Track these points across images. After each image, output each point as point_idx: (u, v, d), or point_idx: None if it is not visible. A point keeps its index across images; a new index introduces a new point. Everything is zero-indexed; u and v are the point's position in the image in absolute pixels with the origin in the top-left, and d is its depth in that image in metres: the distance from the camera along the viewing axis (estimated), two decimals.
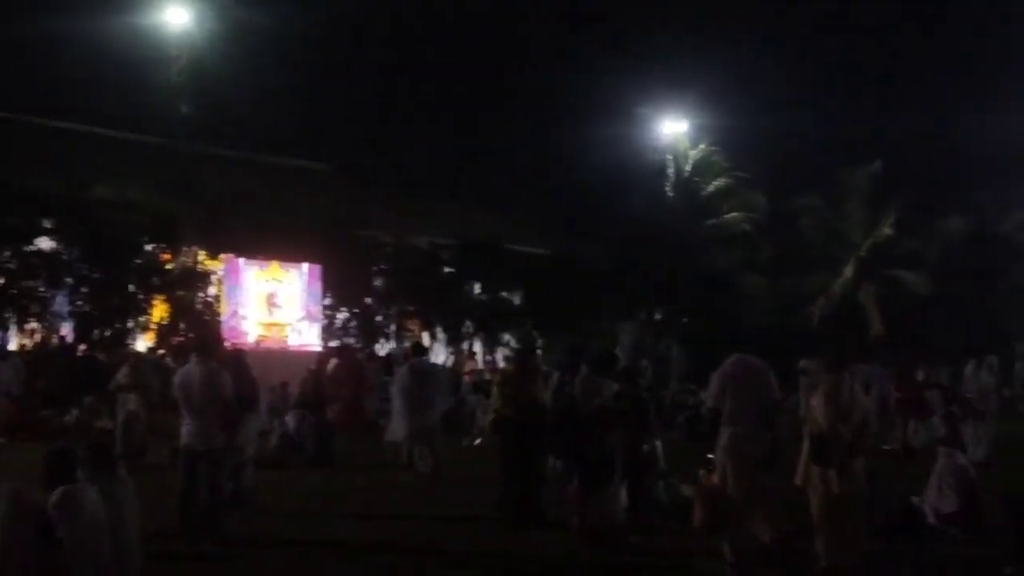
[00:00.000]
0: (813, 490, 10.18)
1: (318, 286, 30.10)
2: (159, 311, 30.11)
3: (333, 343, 31.35)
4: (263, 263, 28.90)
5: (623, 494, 11.48)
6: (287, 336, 29.10)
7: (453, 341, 36.11)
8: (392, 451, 17.71)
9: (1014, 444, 21.29)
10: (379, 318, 34.89)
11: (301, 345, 28.66)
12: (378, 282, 35.10)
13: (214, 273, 30.31)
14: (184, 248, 30.53)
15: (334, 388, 24.39)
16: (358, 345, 32.42)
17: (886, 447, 20.09)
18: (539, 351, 32.95)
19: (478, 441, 20.79)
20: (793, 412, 21.67)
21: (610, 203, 39.20)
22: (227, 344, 24.19)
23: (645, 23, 52.15)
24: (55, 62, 35.56)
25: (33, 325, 28.59)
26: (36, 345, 28.00)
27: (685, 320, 40.85)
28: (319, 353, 27.61)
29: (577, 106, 43.65)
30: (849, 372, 10.91)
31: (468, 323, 36.18)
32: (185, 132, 33.25)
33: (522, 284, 37.19)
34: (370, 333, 34.30)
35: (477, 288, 36.92)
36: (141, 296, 29.88)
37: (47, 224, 28.55)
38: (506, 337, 36.40)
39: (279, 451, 18.37)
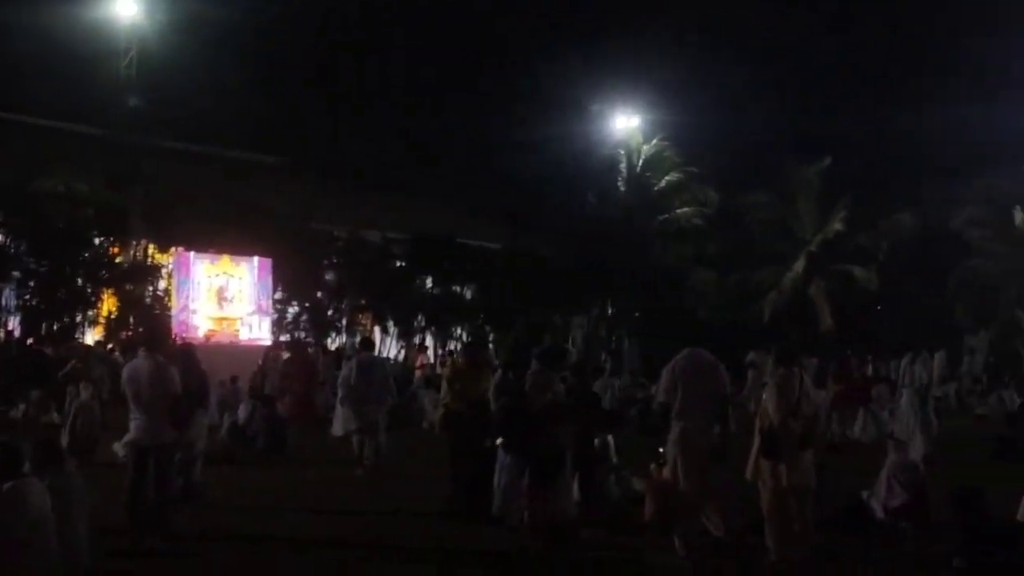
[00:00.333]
0: (763, 484, 10.24)
1: (269, 280, 29.91)
2: (108, 305, 29.89)
3: (284, 337, 31.22)
4: (213, 257, 28.68)
5: (574, 488, 11.49)
6: (238, 330, 28.89)
7: (405, 335, 36.07)
8: (344, 446, 17.63)
9: (961, 438, 21.53)
10: (330, 312, 34.79)
11: (252, 339, 28.48)
12: (330, 276, 35.02)
13: (163, 267, 30.13)
14: (133, 241, 30.31)
15: (285, 382, 24.29)
16: (309, 339, 32.31)
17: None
18: (490, 345, 33.05)
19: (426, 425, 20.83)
20: (743, 406, 21.87)
21: (563, 198, 39.22)
22: (176, 338, 24.09)
23: (598, 19, 52.25)
24: (2, 53, 35.11)
25: None
26: None
27: (636, 314, 41.00)
28: (266, 348, 27.45)
29: (530, 101, 43.59)
30: (800, 367, 10.97)
31: (420, 317, 36.13)
32: (134, 125, 32.93)
33: (474, 278, 37.19)
34: (321, 327, 34.18)
35: (429, 282, 36.89)
36: (89, 290, 29.65)
37: None
38: (458, 331, 36.41)
39: (229, 445, 18.25)
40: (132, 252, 30.42)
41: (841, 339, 34.59)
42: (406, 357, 33.85)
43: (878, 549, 10.99)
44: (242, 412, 19.62)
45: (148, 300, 30.25)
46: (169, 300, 29.05)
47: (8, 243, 28.36)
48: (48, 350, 26.40)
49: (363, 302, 35.23)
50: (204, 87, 38.14)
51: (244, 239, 29.17)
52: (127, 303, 29.76)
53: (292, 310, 33.54)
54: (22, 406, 20.82)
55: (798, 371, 10.62)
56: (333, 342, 34.08)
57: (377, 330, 34.80)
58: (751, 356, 31.49)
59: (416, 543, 11.28)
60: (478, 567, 10.42)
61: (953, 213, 40.06)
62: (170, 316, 28.15)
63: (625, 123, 41.55)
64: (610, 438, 13.88)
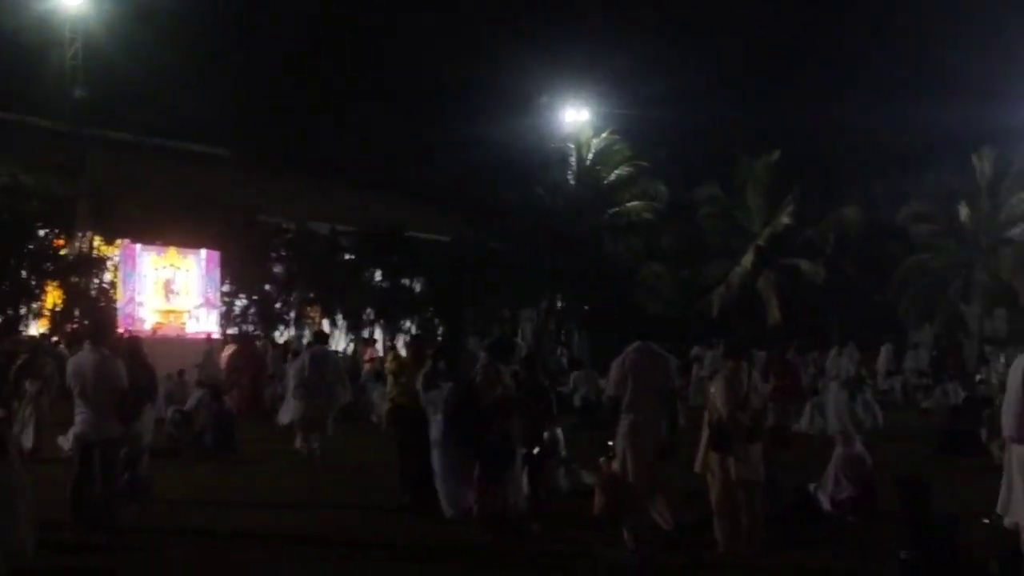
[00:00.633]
0: (712, 477, 10.29)
1: (217, 273, 29.72)
2: (52, 297, 29.56)
3: (232, 330, 31.03)
4: (160, 249, 28.46)
5: (524, 481, 11.48)
6: (185, 323, 28.71)
7: (353, 328, 35.93)
8: (292, 439, 17.56)
9: (906, 431, 21.74)
10: (279, 305, 34.58)
11: (199, 332, 28.28)
12: (278, 269, 34.80)
13: (109, 259, 29.83)
14: (79, 233, 29.99)
15: (232, 375, 24.18)
16: (257, 333, 32.12)
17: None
18: (439, 338, 33.01)
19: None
20: (687, 400, 21.98)
21: (512, 191, 39.18)
22: (122, 331, 23.88)
23: (548, 11, 52.26)
24: None
25: None
26: None
27: (586, 308, 41.09)
28: (209, 341, 27.27)
29: (480, 94, 43.47)
30: (748, 360, 11.03)
31: (369, 310, 36.01)
32: (80, 116, 32.56)
33: (423, 272, 37.10)
34: (269, 320, 33.98)
35: (378, 275, 36.75)
36: (34, 282, 29.30)
37: None
38: (407, 324, 36.32)
39: (175, 437, 18.09)
40: (78, 244, 30.08)
41: (789, 333, 34.82)
42: (355, 351, 33.71)
43: (826, 542, 11.07)
44: (191, 402, 19.52)
45: (94, 293, 29.94)
46: (115, 293, 28.78)
47: None
48: None
49: (312, 295, 35.05)
50: (151, 78, 37.77)
51: (192, 231, 28.95)
52: (72, 296, 29.45)
53: (240, 303, 33.31)
54: None
55: (746, 364, 10.68)
56: (281, 335, 33.89)
57: (326, 323, 34.63)
58: (695, 350, 31.70)
59: (364, 536, 11.25)
60: (427, 560, 10.39)
61: (898, 208, 40.44)
62: (116, 309, 27.91)
63: (575, 116, 41.57)
64: (559, 431, 13.90)
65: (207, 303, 29.32)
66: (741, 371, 10.47)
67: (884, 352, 34.14)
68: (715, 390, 10.64)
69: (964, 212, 38.99)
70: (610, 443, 10.36)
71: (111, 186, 29.54)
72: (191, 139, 40.17)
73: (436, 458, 11.97)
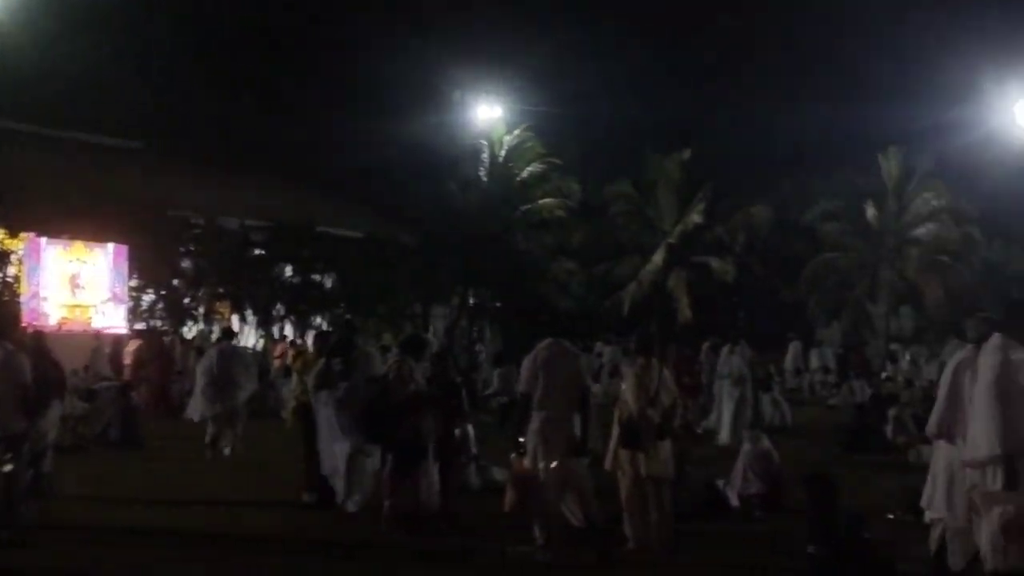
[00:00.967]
0: (622, 474, 10.33)
1: (124, 267, 29.34)
2: None
3: (139, 325, 30.61)
4: (66, 242, 28.03)
5: (435, 478, 11.45)
6: (91, 318, 28.29)
7: (263, 324, 35.63)
8: (200, 435, 17.37)
9: (814, 428, 22.05)
10: (187, 300, 34.18)
11: (106, 327, 27.87)
12: (187, 263, 34.39)
13: (13, 252, 29.27)
14: None
15: (139, 371, 23.89)
16: (165, 328, 31.72)
17: None
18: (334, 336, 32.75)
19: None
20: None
21: (424, 187, 39.08)
22: (27, 326, 23.43)
23: (463, 7, 52.17)
24: None
25: None
26: None
27: (498, 304, 41.11)
28: (113, 336, 26.90)
29: (392, 89, 43.35)
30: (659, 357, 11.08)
31: (279, 306, 35.73)
32: None
33: (334, 267, 36.88)
34: (178, 316, 33.57)
35: (289, 271, 36.48)
36: None
37: None
38: (318, 320, 36.07)
39: (82, 435, 17.82)
40: None
41: (700, 330, 35.11)
42: (265, 347, 33.43)
43: (734, 537, 11.17)
44: (97, 395, 19.32)
45: None
46: (19, 287, 28.27)
47: None
48: None
49: (221, 290, 34.69)
50: (60, 69, 37.10)
51: (99, 225, 28.52)
52: None
53: (148, 298, 32.87)
54: None
55: (657, 361, 10.74)
56: (190, 331, 33.50)
57: (236, 319, 34.29)
58: (598, 347, 31.93)
59: (271, 532, 11.18)
60: (336, 557, 10.34)
61: (807, 207, 40.98)
62: (20, 303, 27.40)
63: (488, 113, 41.53)
64: (470, 428, 13.89)
65: (114, 298, 28.93)
66: (651, 368, 10.53)
67: (792, 350, 34.56)
68: (625, 387, 10.69)
69: (871, 212, 39.58)
70: (521, 440, 10.37)
71: (16, 178, 28.98)
72: (99, 132, 39.53)
73: (334, 454, 11.91)
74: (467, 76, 41.37)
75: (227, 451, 16.47)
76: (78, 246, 28.07)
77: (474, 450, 13.91)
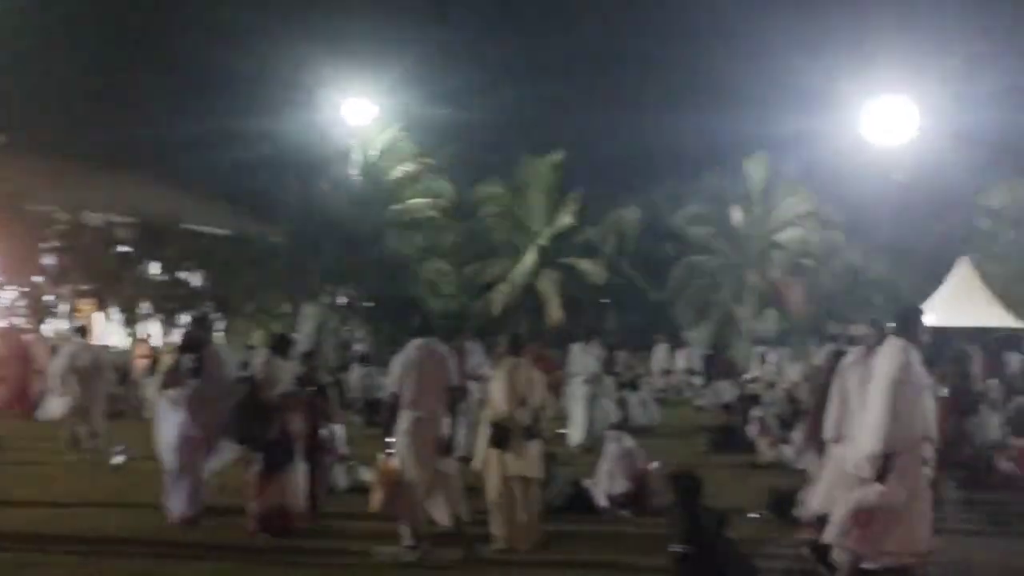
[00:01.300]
0: (491, 473, 10.35)
1: None
2: None
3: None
4: None
5: (303, 479, 11.35)
6: None
7: (128, 322, 34.94)
8: (59, 434, 17.00)
9: (679, 427, 22.33)
10: (50, 297, 33.37)
11: None
12: (49, 260, 33.57)
13: None
14: None
15: None
16: (26, 326, 30.93)
17: None
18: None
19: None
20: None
21: (294, 185, 38.71)
22: None
23: (337, 4, 51.81)
24: None
25: None
26: None
27: (369, 304, 40.89)
28: None
29: (263, 85, 42.73)
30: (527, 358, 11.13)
31: (145, 304, 35.07)
32: None
33: (202, 265, 36.32)
34: (40, 313, 32.76)
35: (155, 268, 35.83)
36: None
37: None
38: (184, 319, 35.48)
39: None
40: None
41: (570, 331, 35.31)
42: (130, 345, 32.79)
43: (601, 536, 11.25)
44: None
45: None
46: None
47: None
48: None
49: (84, 288, 33.93)
50: None
51: None
52: None
53: (8, 295, 32.02)
54: None
55: (526, 362, 10.79)
56: (52, 329, 32.70)
57: (100, 317, 33.57)
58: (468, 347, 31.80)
59: (133, 536, 10.97)
60: (202, 559, 10.18)
61: (675, 210, 41.52)
62: None
63: (361, 112, 41.29)
64: (339, 428, 13.81)
65: None
66: (520, 368, 10.58)
67: (659, 351, 34.92)
68: (493, 387, 10.72)
69: (737, 216, 40.25)
70: (389, 439, 10.34)
71: None
72: None
73: (172, 458, 11.64)
74: (340, 75, 41.11)
75: (86, 453, 16.12)
76: None
77: (343, 450, 13.82)
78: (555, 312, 39.66)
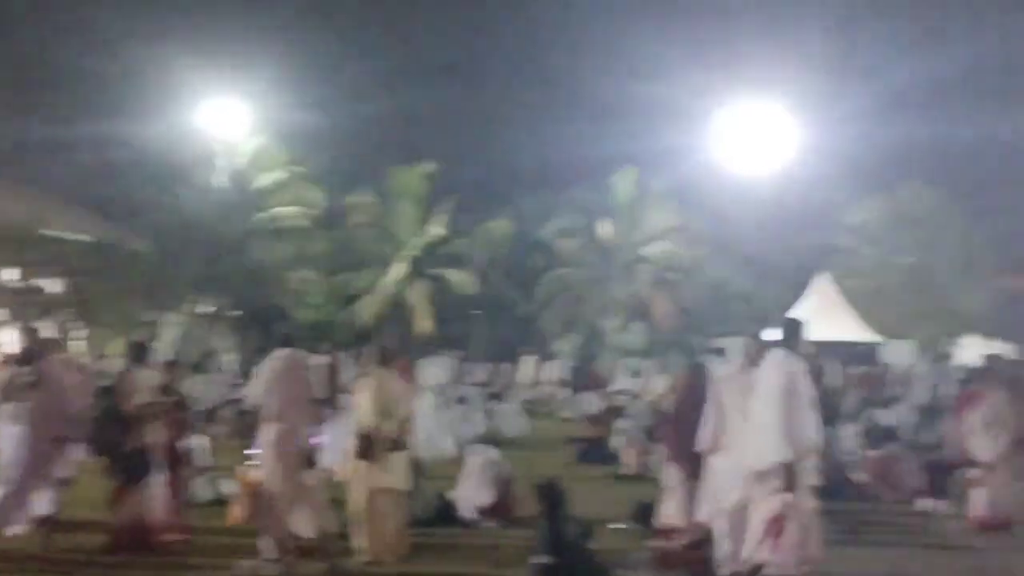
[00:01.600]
0: (357, 485, 10.26)
1: None
2: None
3: None
4: None
5: (162, 490, 11.12)
6: None
7: None
8: None
9: (546, 438, 22.39)
10: None
11: None
12: None
13: None
14: None
15: None
16: None
17: None
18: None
19: None
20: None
21: (156, 191, 38.01)
22: None
23: (206, 7, 51.07)
24: None
25: None
26: None
27: (235, 313, 40.32)
28: None
29: (124, 86, 41.85)
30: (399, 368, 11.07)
31: (1, 312, 34.14)
32: None
33: (62, 272, 35.46)
34: None
35: (10, 275, 34.90)
36: None
37: None
38: (43, 327, 34.56)
39: None
40: None
41: (438, 342, 35.25)
42: None
43: (466, 548, 11.22)
44: None
45: None
46: None
47: None
48: None
49: None
50: None
51: None
52: None
53: None
54: None
55: (393, 373, 10.73)
56: None
57: None
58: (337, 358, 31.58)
59: None
60: (58, 572, 9.92)
61: (545, 223, 41.78)
62: None
63: (229, 117, 40.75)
64: (201, 440, 13.58)
65: None
66: (387, 379, 10.51)
67: (527, 362, 35.03)
68: (360, 398, 10.63)
69: (605, 229, 40.64)
70: (250, 451, 10.19)
71: None
72: None
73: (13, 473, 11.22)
74: (210, 79, 40.52)
75: None
76: None
77: (204, 462, 13.58)
78: (424, 323, 39.56)
